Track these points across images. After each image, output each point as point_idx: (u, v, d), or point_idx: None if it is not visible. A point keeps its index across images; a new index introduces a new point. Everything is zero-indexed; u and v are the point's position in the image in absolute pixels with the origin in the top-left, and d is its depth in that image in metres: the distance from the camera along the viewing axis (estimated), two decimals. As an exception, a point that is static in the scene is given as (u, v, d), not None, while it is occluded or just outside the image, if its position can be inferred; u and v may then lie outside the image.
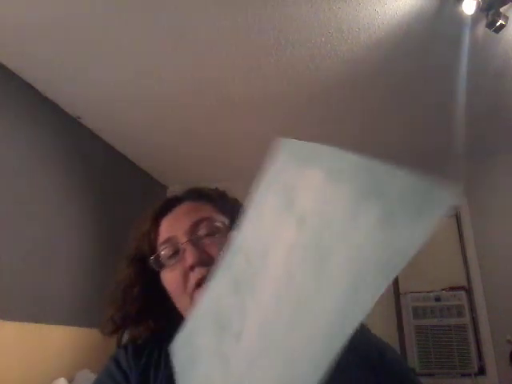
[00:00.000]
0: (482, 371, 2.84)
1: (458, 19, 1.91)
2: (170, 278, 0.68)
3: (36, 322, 2.24)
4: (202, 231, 0.67)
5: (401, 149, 3.21)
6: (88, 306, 2.68)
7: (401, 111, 2.71)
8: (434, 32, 2.01)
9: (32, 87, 2.41)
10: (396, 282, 3.17)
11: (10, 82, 2.27)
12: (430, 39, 2.06)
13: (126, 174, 3.32)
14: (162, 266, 0.69)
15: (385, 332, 3.06)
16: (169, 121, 2.80)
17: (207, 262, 0.63)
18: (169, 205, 0.73)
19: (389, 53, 2.15)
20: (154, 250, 0.70)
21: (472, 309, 2.97)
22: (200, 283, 0.62)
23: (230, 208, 0.72)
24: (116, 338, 0.76)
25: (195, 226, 0.68)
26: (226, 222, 0.69)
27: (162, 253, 0.68)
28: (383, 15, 1.91)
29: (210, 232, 0.67)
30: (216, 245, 0.65)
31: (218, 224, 0.68)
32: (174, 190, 3.88)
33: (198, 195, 0.74)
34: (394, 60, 2.21)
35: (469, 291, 3.02)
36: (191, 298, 0.64)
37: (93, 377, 2.35)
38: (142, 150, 3.23)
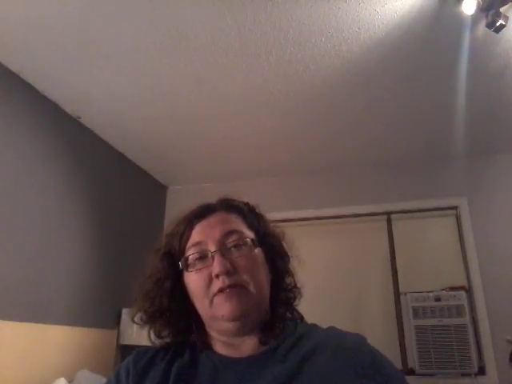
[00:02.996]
0: (482, 371, 2.84)
1: (458, 19, 1.91)
2: (194, 280, 0.74)
3: (36, 322, 2.24)
4: (230, 243, 0.74)
5: (401, 148, 3.21)
6: (88, 306, 2.68)
7: (401, 111, 2.71)
8: (434, 32, 2.01)
9: (32, 87, 2.41)
10: (396, 281, 3.17)
11: (9, 82, 2.27)
12: (430, 39, 2.06)
13: (126, 174, 3.33)
14: (188, 266, 0.74)
15: (385, 332, 3.06)
16: (169, 121, 2.80)
17: (232, 272, 0.71)
18: (204, 211, 0.79)
19: (389, 53, 2.15)
20: (183, 250, 0.76)
21: (472, 309, 2.97)
22: (221, 290, 0.70)
23: (256, 223, 0.80)
24: (148, 332, 0.80)
25: (225, 236, 0.74)
26: (253, 236, 0.76)
27: (191, 255, 0.74)
28: (383, 15, 1.91)
29: (237, 244, 0.74)
30: (241, 258, 0.73)
31: (246, 238, 0.75)
32: (174, 189, 3.88)
33: (231, 207, 0.81)
34: (394, 60, 2.21)
35: (469, 291, 3.02)
36: (211, 301, 0.71)
37: (93, 377, 2.36)
38: (142, 150, 3.23)
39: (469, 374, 2.84)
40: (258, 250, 0.76)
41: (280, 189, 3.56)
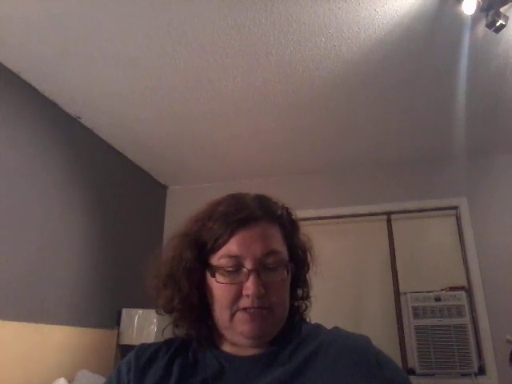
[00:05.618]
0: (482, 371, 2.84)
1: (458, 19, 1.91)
2: (221, 291, 0.71)
3: (36, 322, 2.24)
4: (269, 264, 0.71)
5: (401, 148, 3.21)
6: (88, 306, 2.68)
7: (401, 111, 2.71)
8: (434, 32, 2.01)
9: (32, 87, 2.41)
10: (396, 281, 3.17)
11: (9, 82, 2.27)
12: (430, 39, 2.06)
13: (126, 174, 3.32)
14: (216, 274, 0.71)
15: (385, 332, 3.06)
16: (169, 121, 2.80)
17: (262, 294, 0.68)
18: (247, 219, 0.73)
19: (389, 53, 2.15)
20: (215, 250, 0.72)
21: (472, 309, 2.97)
22: (246, 309, 0.68)
23: (291, 234, 0.77)
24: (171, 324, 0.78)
25: (265, 256, 0.71)
26: (287, 257, 0.74)
27: (223, 265, 0.71)
28: (383, 15, 1.91)
29: (274, 266, 0.71)
30: (275, 282, 0.71)
31: (283, 260, 0.73)
32: (174, 189, 3.88)
33: (274, 217, 0.76)
34: (393, 60, 2.21)
35: (469, 291, 3.02)
36: (232, 315, 0.69)
37: (93, 377, 2.36)
38: (142, 150, 3.23)
39: (469, 374, 2.84)
40: (289, 273, 0.74)
41: (280, 189, 3.54)
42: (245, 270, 0.70)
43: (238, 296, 0.69)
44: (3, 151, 2.19)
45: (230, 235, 0.71)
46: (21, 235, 2.25)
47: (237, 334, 0.70)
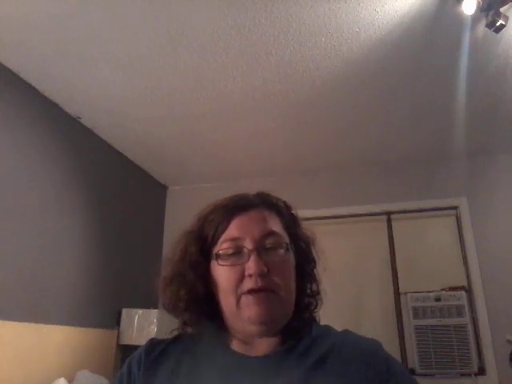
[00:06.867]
0: (482, 371, 2.84)
1: (458, 19, 1.91)
2: (224, 275, 0.72)
3: (36, 322, 2.24)
4: (268, 244, 0.72)
5: (401, 148, 3.21)
6: (88, 306, 2.68)
7: (401, 111, 2.71)
8: (434, 32, 2.01)
9: (32, 87, 2.41)
10: (396, 281, 3.17)
11: (9, 82, 2.27)
12: (430, 39, 2.06)
13: (126, 174, 3.32)
14: (219, 259, 0.72)
15: (385, 332, 3.06)
16: (169, 121, 2.80)
17: (265, 274, 0.69)
18: (245, 204, 0.76)
19: (389, 53, 2.15)
20: (217, 239, 0.74)
21: (472, 309, 2.97)
22: (251, 291, 0.69)
23: (292, 225, 0.79)
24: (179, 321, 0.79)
25: (265, 236, 0.73)
26: (288, 240, 0.75)
27: (225, 249, 0.72)
28: (383, 15, 1.91)
29: (274, 247, 0.73)
30: (277, 261, 0.72)
31: (283, 242, 0.74)
32: (174, 189, 3.88)
33: (272, 205, 0.79)
34: (393, 60, 2.21)
35: (469, 291, 3.02)
36: (238, 299, 0.70)
37: (93, 377, 2.36)
38: (142, 150, 3.23)
39: (469, 374, 2.84)
40: (291, 255, 0.75)
41: (280, 189, 3.51)
42: (245, 250, 0.71)
43: (241, 278, 0.70)
44: (3, 151, 2.19)
45: (229, 221, 0.74)
46: (21, 235, 2.25)
47: (245, 320, 0.69)
